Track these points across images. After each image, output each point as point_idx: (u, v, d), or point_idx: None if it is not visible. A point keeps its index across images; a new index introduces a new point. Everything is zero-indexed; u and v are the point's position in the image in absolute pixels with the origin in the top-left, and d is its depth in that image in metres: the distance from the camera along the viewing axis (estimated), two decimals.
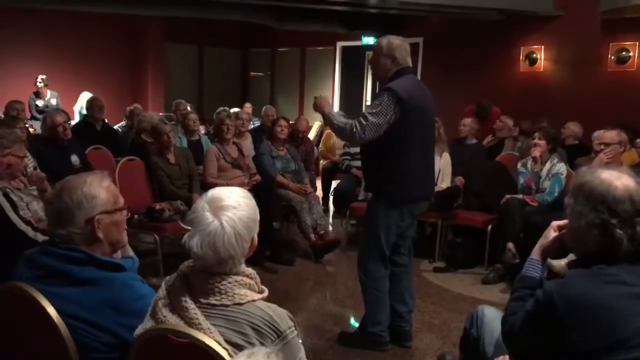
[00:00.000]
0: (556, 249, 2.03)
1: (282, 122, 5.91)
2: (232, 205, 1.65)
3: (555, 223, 2.03)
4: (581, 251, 1.81)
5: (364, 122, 3.31)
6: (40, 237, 3.16)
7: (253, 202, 1.72)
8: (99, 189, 1.88)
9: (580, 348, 1.63)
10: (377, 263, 3.58)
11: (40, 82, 9.14)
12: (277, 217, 5.39)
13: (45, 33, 10.34)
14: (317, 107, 3.60)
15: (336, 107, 10.55)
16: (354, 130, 3.33)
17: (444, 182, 5.63)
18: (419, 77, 8.79)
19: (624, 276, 1.67)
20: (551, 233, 2.02)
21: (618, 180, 1.71)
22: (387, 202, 3.51)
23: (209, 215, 1.62)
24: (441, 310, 4.39)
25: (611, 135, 4.88)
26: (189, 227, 1.64)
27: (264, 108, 8.66)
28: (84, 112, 7.63)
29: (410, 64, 3.51)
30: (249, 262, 1.75)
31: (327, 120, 3.56)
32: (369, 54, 10.84)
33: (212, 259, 1.62)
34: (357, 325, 3.93)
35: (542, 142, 5.10)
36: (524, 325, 1.81)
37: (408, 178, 3.45)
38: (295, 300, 4.56)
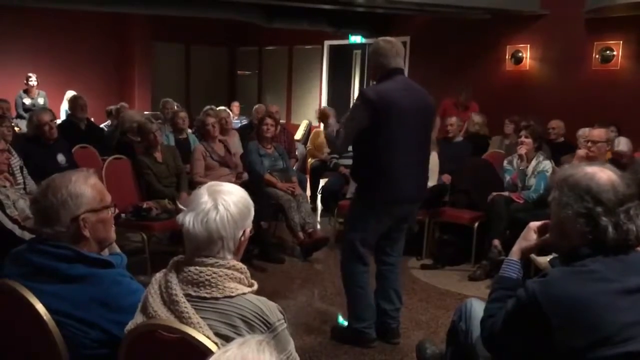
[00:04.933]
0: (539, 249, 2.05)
1: (269, 121, 5.86)
2: (230, 191, 1.74)
3: (533, 224, 2.05)
4: (565, 246, 1.83)
5: (341, 133, 3.46)
6: (27, 236, 3.15)
7: (249, 198, 1.79)
8: (84, 187, 1.85)
9: (565, 346, 1.66)
10: (353, 259, 3.64)
11: (31, 81, 9.07)
12: (266, 216, 5.38)
13: (32, 31, 10.26)
14: (323, 117, 3.75)
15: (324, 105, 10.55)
16: (335, 142, 3.54)
17: (430, 180, 5.64)
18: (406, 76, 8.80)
19: (605, 273, 1.70)
20: (532, 235, 2.04)
21: (601, 172, 1.78)
22: (362, 202, 3.58)
23: (205, 196, 1.70)
24: (428, 307, 4.42)
25: (599, 133, 4.93)
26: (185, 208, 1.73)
27: (255, 107, 8.61)
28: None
29: (400, 65, 3.48)
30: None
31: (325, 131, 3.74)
32: (357, 52, 10.88)
33: (202, 237, 1.67)
34: (345, 323, 3.95)
35: (528, 140, 5.15)
36: (505, 325, 1.82)
37: (382, 180, 3.43)
38: (284, 298, 4.56)
